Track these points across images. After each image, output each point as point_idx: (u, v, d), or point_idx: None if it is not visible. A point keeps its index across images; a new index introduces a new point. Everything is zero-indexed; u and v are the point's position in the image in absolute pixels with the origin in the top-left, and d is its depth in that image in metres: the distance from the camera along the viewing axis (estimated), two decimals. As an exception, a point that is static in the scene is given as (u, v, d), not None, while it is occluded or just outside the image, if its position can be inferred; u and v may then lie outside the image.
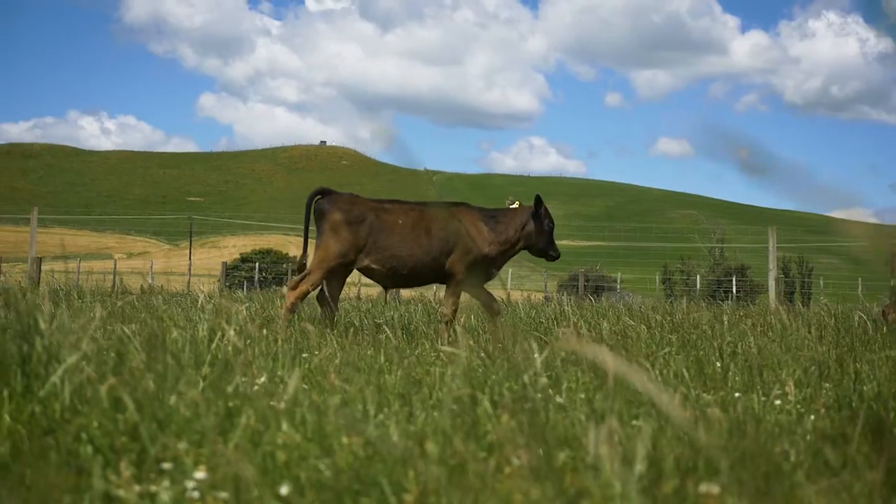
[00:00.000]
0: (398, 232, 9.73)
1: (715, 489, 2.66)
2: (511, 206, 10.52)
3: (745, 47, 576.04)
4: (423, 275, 9.97)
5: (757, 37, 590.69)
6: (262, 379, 4.52)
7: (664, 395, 2.58)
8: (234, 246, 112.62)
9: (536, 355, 4.53)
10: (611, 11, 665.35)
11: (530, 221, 10.30)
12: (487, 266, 10.13)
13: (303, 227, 9.99)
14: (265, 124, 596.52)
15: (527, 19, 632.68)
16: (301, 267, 9.82)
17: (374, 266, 9.67)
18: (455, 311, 9.96)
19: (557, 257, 10.63)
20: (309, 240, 9.90)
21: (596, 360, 2.97)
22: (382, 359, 5.93)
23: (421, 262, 9.75)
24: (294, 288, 9.50)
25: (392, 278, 9.89)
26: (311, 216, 9.87)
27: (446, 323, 9.67)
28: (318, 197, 9.84)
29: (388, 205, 10.01)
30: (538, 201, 10.35)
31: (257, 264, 56.79)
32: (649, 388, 2.61)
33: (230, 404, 3.50)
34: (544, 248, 10.49)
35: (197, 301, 9.80)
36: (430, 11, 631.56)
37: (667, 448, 3.16)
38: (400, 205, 10.08)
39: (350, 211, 9.63)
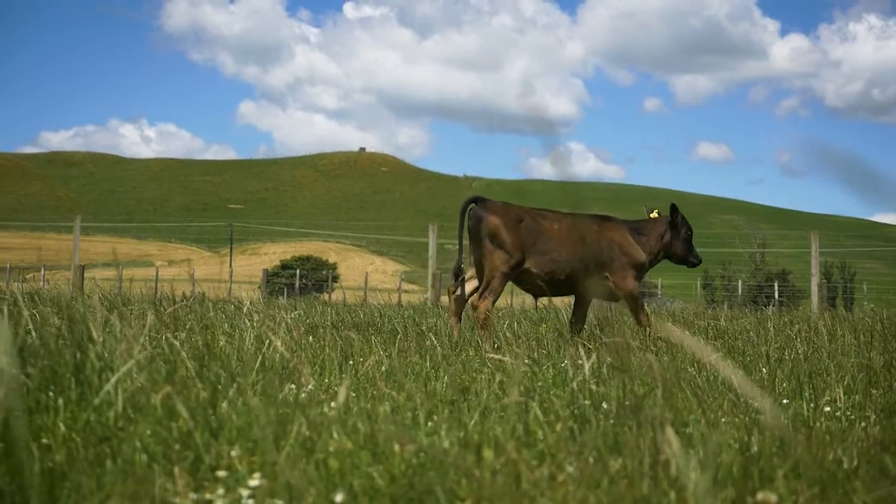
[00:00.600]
0: (555, 237, 9.73)
1: (773, 497, 2.64)
2: (651, 217, 10.55)
3: (784, 51, 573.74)
4: (575, 283, 9.96)
5: (797, 40, 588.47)
6: (310, 386, 4.54)
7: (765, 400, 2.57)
8: (275, 253, 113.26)
9: (584, 362, 4.52)
10: (649, 16, 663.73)
11: (668, 231, 10.32)
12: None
13: (456, 236, 9.98)
14: (304, 131, 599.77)
15: (565, 25, 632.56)
16: (457, 274, 9.88)
17: (533, 270, 9.66)
18: (649, 316, 9.97)
19: (699, 263, 10.64)
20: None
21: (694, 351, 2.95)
22: (429, 365, 5.93)
23: (575, 269, 9.74)
24: (478, 304, 9.50)
25: (549, 284, 9.86)
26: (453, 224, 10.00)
27: (647, 330, 9.57)
28: (472, 205, 9.86)
29: (542, 210, 10.05)
30: (674, 210, 10.35)
31: (298, 271, 57.02)
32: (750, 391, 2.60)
33: (281, 412, 3.51)
34: (684, 256, 10.53)
35: (241, 308, 9.84)
36: (468, 17, 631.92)
37: (723, 456, 3.14)
38: (552, 212, 10.11)
39: (507, 214, 9.67)
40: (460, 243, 9.86)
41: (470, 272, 9.93)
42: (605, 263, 9.85)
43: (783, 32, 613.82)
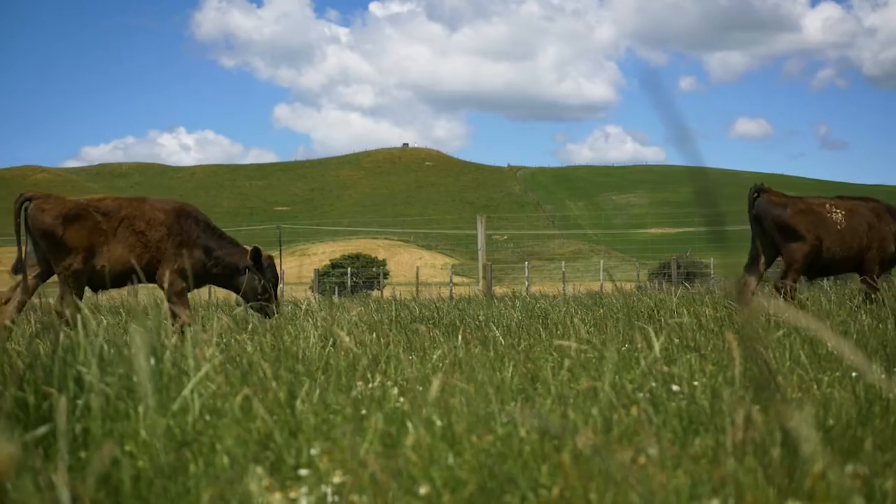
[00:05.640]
0: None
1: (863, 470, 2.61)
2: None
3: (816, 22, 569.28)
4: None
5: (828, 10, 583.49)
6: (376, 382, 4.55)
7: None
8: (324, 252, 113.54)
9: (654, 342, 4.51)
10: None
11: None
12: None
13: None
14: (342, 130, 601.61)
15: (593, 9, 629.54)
16: None
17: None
18: None
19: None
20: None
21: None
22: (492, 355, 5.93)
23: None
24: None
25: None
26: None
27: None
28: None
29: None
30: None
31: (348, 269, 57.15)
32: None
33: (357, 408, 3.53)
34: None
35: (300, 308, 9.89)
36: (496, 8, 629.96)
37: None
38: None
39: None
40: None
41: None
42: None
43: (813, 3, 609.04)
